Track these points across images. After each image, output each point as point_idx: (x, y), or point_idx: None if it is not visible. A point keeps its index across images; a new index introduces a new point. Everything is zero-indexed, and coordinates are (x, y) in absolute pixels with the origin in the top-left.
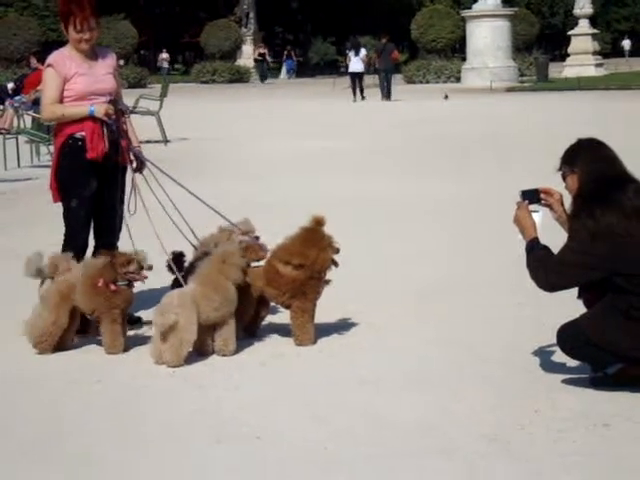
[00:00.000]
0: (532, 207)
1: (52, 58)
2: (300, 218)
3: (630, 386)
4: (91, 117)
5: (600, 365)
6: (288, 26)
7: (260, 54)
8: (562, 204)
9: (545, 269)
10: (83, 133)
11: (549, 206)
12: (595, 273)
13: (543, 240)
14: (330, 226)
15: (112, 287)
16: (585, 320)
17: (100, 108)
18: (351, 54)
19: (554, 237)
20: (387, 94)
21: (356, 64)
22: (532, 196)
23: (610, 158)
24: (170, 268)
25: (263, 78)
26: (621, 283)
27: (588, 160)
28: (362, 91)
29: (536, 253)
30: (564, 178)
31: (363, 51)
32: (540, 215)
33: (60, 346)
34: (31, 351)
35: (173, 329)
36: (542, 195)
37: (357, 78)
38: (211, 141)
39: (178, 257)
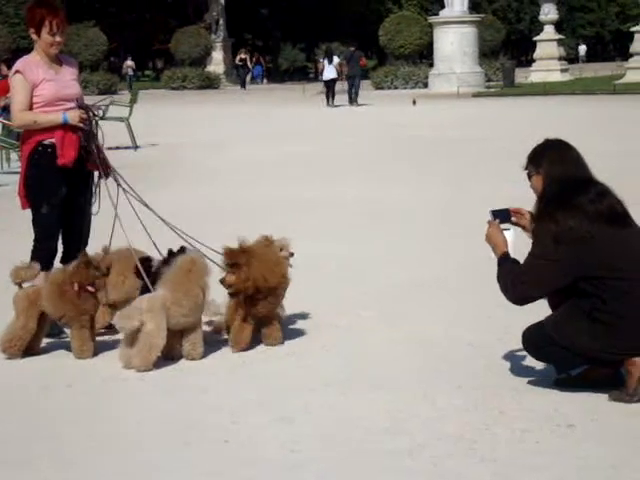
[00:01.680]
0: (503, 226)
1: (19, 65)
2: (268, 223)
3: (594, 387)
4: (61, 126)
5: (565, 366)
6: (258, 33)
7: (241, 59)
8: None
9: (512, 281)
10: (52, 140)
11: (522, 226)
12: (560, 279)
13: (520, 257)
14: (299, 229)
15: (90, 289)
16: (550, 322)
17: (74, 115)
18: (325, 62)
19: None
20: (355, 99)
21: (330, 72)
22: (503, 216)
23: (575, 160)
24: (138, 273)
25: (244, 84)
26: (584, 286)
27: (553, 161)
28: (334, 97)
29: (504, 267)
30: (529, 177)
31: (336, 59)
32: (511, 233)
33: (29, 351)
34: (0, 356)
35: (141, 334)
36: (513, 216)
37: (331, 84)
38: (181, 147)
39: (145, 262)
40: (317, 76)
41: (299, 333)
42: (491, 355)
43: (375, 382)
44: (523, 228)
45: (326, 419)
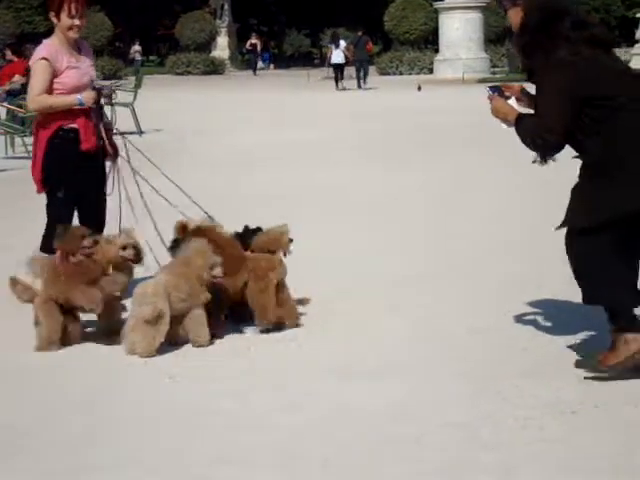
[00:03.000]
0: None
1: (44, 51)
2: (270, 210)
3: (596, 373)
4: (82, 111)
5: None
6: (263, 18)
7: (251, 44)
8: (526, 93)
9: (537, 128)
10: (75, 125)
11: (517, 99)
12: (572, 103)
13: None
14: (304, 216)
15: (73, 258)
16: (570, 220)
17: (88, 96)
18: (332, 47)
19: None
20: (363, 83)
21: (338, 56)
22: (499, 91)
23: None
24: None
25: (255, 69)
26: (588, 113)
27: None
28: (343, 81)
29: (525, 122)
30: (506, 12)
31: (343, 43)
32: (513, 101)
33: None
34: (8, 342)
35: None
36: (505, 90)
37: (339, 69)
38: (185, 132)
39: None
40: (323, 62)
41: (303, 320)
42: (494, 343)
43: (378, 370)
44: (517, 99)
45: (330, 406)
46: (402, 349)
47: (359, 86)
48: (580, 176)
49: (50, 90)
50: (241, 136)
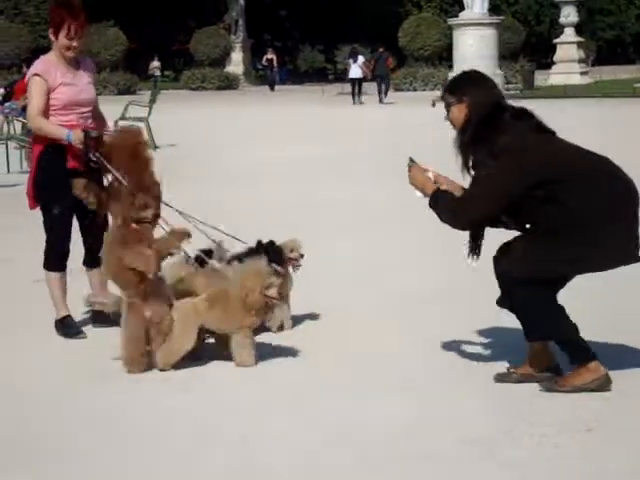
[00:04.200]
0: None
1: (39, 67)
2: (280, 224)
3: (609, 391)
4: (70, 128)
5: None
6: (277, 33)
7: (268, 60)
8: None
9: (461, 206)
10: (63, 142)
11: (435, 179)
12: (507, 190)
13: None
14: (314, 231)
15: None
16: (513, 263)
17: (76, 137)
18: (350, 61)
19: None
20: (384, 97)
21: (355, 70)
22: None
23: (494, 86)
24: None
25: (272, 85)
26: (539, 193)
27: (477, 88)
28: (360, 95)
29: (444, 197)
30: (448, 109)
31: (361, 58)
32: (431, 174)
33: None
34: (21, 351)
35: (169, 335)
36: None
37: (357, 83)
38: (200, 147)
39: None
40: (337, 77)
41: (315, 337)
42: (507, 359)
43: (391, 386)
44: (435, 180)
45: (343, 422)
46: (416, 365)
47: (380, 100)
48: (533, 231)
49: (47, 106)
50: (254, 151)
